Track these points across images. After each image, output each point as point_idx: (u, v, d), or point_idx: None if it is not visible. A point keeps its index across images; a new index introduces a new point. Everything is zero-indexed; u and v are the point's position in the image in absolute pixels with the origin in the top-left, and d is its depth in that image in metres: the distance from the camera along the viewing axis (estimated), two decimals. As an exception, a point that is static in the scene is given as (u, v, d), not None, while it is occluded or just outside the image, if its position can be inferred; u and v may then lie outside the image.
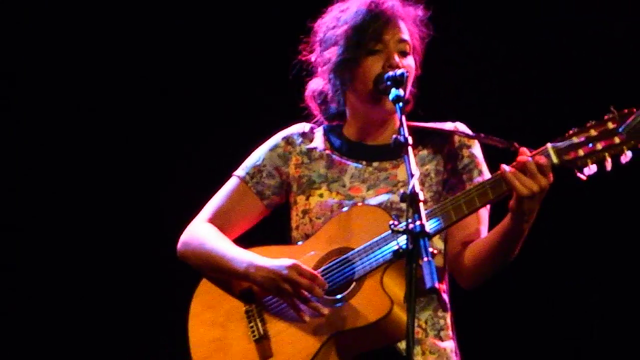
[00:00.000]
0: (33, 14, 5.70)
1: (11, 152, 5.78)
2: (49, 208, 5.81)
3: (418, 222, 2.96)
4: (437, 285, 2.88)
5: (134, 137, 5.78)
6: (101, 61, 5.74)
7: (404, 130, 3.18)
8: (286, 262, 3.46)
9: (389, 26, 3.54)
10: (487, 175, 3.59)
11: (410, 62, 3.58)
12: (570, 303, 5.59)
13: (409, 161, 3.11)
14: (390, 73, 3.42)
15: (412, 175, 3.06)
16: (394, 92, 3.34)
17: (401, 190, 3.08)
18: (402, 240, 3.00)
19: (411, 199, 3.00)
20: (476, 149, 3.64)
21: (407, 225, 2.96)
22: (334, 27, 3.62)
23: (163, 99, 5.74)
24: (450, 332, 3.60)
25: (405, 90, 3.38)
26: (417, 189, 3.01)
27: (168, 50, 5.71)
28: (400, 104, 3.29)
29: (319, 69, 3.68)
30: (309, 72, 3.73)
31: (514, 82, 5.44)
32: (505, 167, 3.30)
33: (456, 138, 3.63)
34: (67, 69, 5.76)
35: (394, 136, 3.19)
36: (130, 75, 5.76)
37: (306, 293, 3.43)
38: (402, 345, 3.43)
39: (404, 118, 3.22)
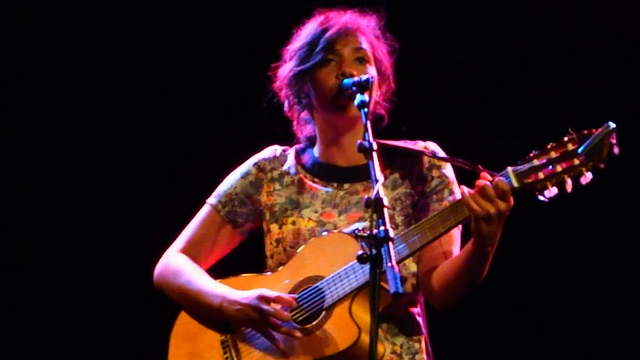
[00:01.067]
0: (31, 14, 5.74)
1: (11, 152, 5.81)
2: (44, 209, 5.85)
3: (382, 228, 2.93)
4: (400, 290, 2.84)
5: (128, 143, 5.82)
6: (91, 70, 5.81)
7: (368, 135, 3.15)
8: (253, 292, 3.48)
9: (341, 37, 3.54)
10: (458, 195, 3.52)
11: (370, 70, 3.55)
12: (544, 321, 5.62)
13: (373, 166, 3.09)
14: (356, 79, 3.40)
15: (376, 181, 3.04)
16: (359, 97, 3.31)
17: (365, 196, 3.06)
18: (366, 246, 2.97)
19: (375, 204, 2.97)
20: (447, 169, 3.60)
21: (371, 231, 2.94)
22: (292, 47, 3.64)
23: (159, 108, 5.79)
24: (424, 356, 3.58)
25: (370, 96, 3.35)
26: (382, 194, 2.98)
27: (161, 58, 5.76)
28: (365, 109, 3.26)
29: (280, 88, 3.68)
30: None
31: (482, 103, 5.49)
32: (465, 190, 3.26)
33: (426, 159, 3.60)
34: (65, 72, 5.78)
35: (359, 141, 3.16)
36: (124, 81, 5.79)
37: (274, 320, 3.44)
38: None
39: (369, 123, 3.19)
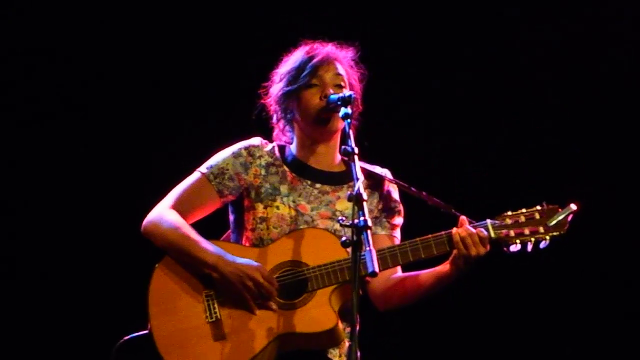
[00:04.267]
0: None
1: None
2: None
3: (362, 218, 3.59)
4: (377, 269, 3.50)
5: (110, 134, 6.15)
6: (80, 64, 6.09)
7: (351, 141, 3.82)
8: (253, 262, 4.04)
9: (324, 64, 4.19)
10: (402, 217, 4.30)
11: (346, 93, 4.13)
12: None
13: (354, 167, 3.74)
14: (340, 94, 4.05)
15: (357, 179, 3.69)
16: (343, 110, 3.97)
17: (347, 192, 3.71)
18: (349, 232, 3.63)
19: (356, 198, 3.63)
20: (397, 193, 4.32)
21: (352, 221, 3.60)
22: (281, 70, 4.26)
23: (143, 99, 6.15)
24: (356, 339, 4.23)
25: (352, 109, 4.01)
26: (362, 190, 3.63)
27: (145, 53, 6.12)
28: (348, 120, 3.91)
29: (270, 104, 4.30)
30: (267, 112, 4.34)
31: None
32: (455, 231, 4.01)
33: (386, 182, 4.29)
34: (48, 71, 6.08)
35: (343, 147, 3.84)
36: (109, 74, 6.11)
37: (263, 291, 4.01)
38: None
39: (351, 132, 3.86)
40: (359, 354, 4.06)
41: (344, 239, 3.67)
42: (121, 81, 6.11)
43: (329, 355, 4.11)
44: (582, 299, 6.09)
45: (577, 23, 5.96)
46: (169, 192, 4.28)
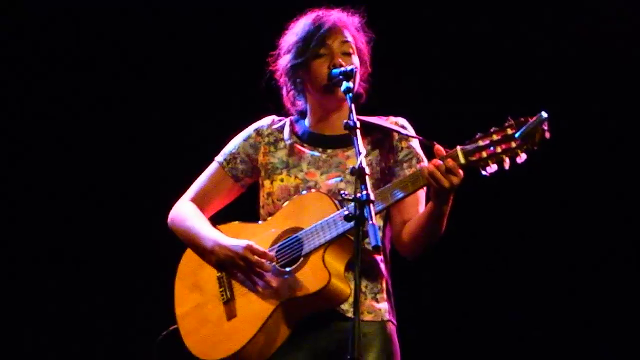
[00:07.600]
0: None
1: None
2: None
3: (364, 192, 3.58)
4: (379, 244, 3.48)
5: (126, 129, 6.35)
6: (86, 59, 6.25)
7: (353, 116, 3.82)
8: (242, 242, 4.10)
9: (331, 33, 4.17)
10: (423, 161, 4.21)
11: (354, 60, 4.18)
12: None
13: (357, 141, 3.74)
14: (342, 68, 4.05)
15: (359, 153, 3.69)
16: (345, 84, 3.97)
17: (350, 166, 3.71)
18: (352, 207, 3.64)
19: (359, 172, 3.63)
20: (413, 141, 4.24)
21: (355, 195, 3.60)
22: (288, 39, 4.26)
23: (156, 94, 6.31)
24: (385, 295, 4.17)
25: (354, 83, 4.01)
26: (364, 164, 3.63)
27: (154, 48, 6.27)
28: (350, 94, 3.92)
29: (279, 75, 4.31)
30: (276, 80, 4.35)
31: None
32: (423, 167, 3.92)
33: (396, 133, 4.24)
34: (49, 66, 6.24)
35: (345, 121, 3.83)
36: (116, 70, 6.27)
37: (256, 268, 4.07)
38: (343, 306, 4.06)
39: (353, 106, 3.85)
40: (386, 307, 4.15)
41: (346, 212, 3.68)
42: (135, 74, 6.28)
43: (339, 311, 4.08)
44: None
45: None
46: (181, 182, 4.43)
